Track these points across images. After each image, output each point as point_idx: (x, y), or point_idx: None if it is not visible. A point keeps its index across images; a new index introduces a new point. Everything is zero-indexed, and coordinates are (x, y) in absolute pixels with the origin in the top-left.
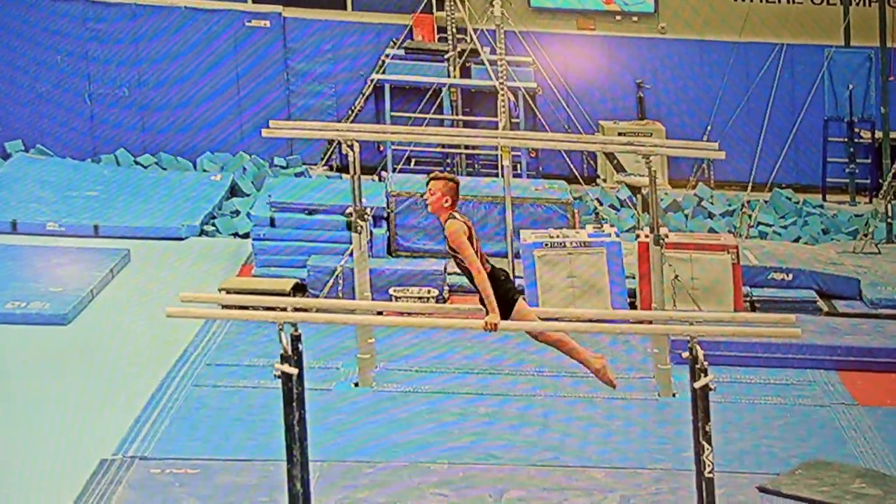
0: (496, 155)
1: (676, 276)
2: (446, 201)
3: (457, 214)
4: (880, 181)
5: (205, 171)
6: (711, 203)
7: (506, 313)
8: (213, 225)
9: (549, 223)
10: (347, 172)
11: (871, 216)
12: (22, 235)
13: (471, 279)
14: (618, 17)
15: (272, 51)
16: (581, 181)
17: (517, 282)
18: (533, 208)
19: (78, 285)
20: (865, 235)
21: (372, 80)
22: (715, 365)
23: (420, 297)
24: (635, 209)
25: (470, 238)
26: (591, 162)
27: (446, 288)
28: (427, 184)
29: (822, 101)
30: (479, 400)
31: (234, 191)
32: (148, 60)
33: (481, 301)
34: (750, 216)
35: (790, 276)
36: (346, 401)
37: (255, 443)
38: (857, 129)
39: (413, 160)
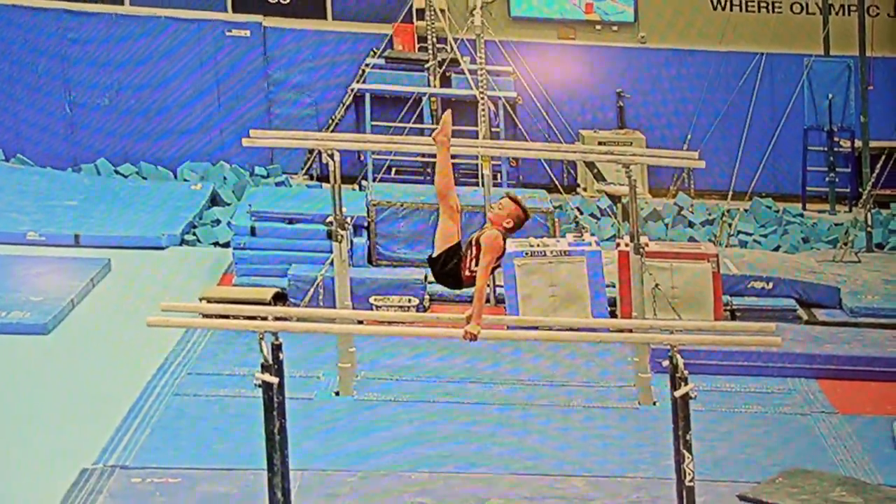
0: (476, 164)
1: (657, 285)
2: (508, 223)
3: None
4: (860, 190)
5: (185, 180)
6: (691, 212)
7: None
8: (194, 234)
9: (530, 232)
10: (328, 181)
11: (850, 225)
12: (2, 245)
13: (454, 286)
14: (598, 27)
15: (252, 60)
16: (561, 190)
17: (498, 291)
18: None
19: (58, 294)
20: (845, 244)
21: (352, 90)
22: (695, 373)
23: (401, 306)
24: (615, 218)
25: (498, 258)
26: (572, 171)
27: (427, 296)
28: (501, 198)
29: (802, 110)
30: (459, 408)
31: (214, 200)
32: (128, 69)
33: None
34: (730, 225)
35: (770, 285)
36: (327, 409)
37: (235, 452)
38: (836, 138)
39: (393, 169)
